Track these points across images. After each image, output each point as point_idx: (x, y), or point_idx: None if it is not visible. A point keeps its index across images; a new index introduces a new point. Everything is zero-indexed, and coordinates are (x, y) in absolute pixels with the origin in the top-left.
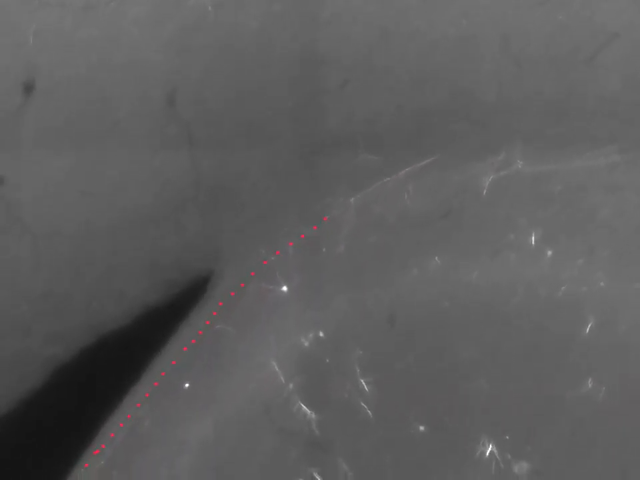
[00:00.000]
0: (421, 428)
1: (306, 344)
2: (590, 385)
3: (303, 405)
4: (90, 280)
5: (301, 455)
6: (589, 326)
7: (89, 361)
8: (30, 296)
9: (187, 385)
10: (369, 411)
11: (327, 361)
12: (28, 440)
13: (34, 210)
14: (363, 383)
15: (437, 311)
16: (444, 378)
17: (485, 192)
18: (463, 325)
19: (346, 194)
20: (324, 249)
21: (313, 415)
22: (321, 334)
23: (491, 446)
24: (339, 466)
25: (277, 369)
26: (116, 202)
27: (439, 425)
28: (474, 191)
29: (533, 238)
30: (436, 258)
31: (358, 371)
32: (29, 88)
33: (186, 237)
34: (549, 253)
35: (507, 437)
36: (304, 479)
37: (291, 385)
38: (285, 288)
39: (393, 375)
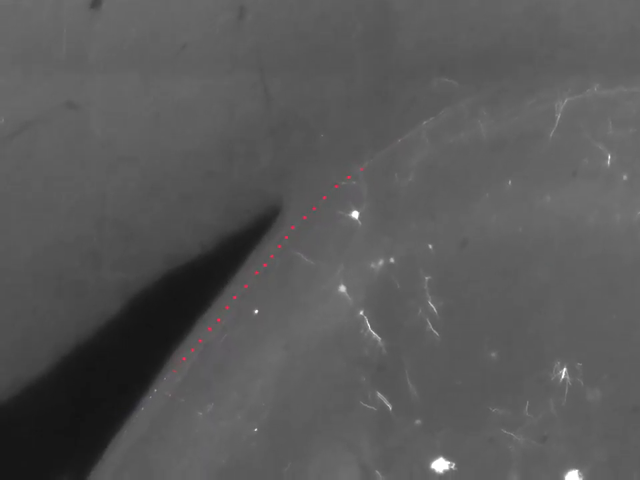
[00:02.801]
0: (492, 354)
1: (376, 269)
2: None
3: (372, 331)
4: (161, 207)
5: (370, 379)
6: None
7: (161, 288)
8: (101, 223)
9: (256, 311)
10: (438, 336)
11: (398, 286)
12: (105, 360)
13: (103, 136)
14: (433, 308)
15: (510, 235)
16: (517, 303)
17: (559, 116)
18: (536, 250)
19: (419, 118)
20: (396, 174)
21: (383, 340)
22: (392, 260)
23: (564, 372)
24: (408, 391)
25: (347, 295)
26: (186, 127)
27: (511, 351)
28: (548, 115)
29: (608, 162)
30: (509, 182)
31: (429, 296)
32: (96, 4)
33: (258, 163)
34: (624, 177)
35: (581, 364)
36: (374, 405)
37: (361, 311)
38: (355, 213)
39: (464, 300)
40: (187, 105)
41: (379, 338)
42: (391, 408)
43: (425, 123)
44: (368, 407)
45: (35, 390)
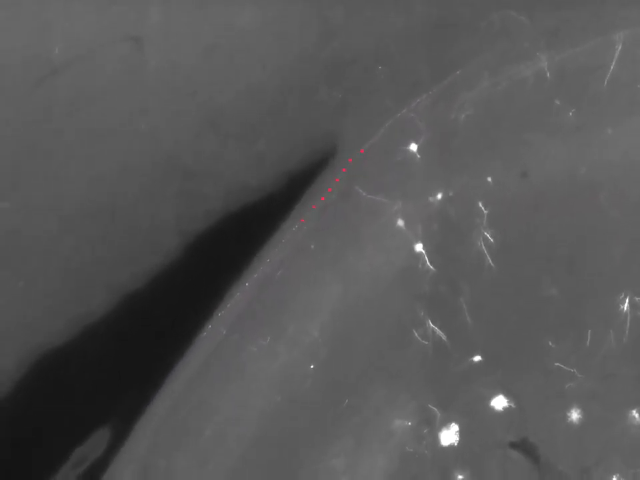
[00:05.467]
0: (552, 289)
1: (435, 203)
2: None
3: (430, 266)
4: (217, 142)
5: (428, 315)
6: None
7: (217, 224)
8: (155, 158)
9: (313, 246)
10: (497, 270)
11: (456, 220)
12: (160, 297)
13: (159, 68)
14: (492, 242)
15: (570, 168)
16: (578, 236)
17: (619, 47)
18: (597, 183)
19: (478, 51)
20: (454, 107)
21: (441, 275)
22: (450, 193)
23: (626, 307)
24: (466, 326)
25: (405, 229)
26: (243, 60)
27: (571, 286)
28: (609, 47)
29: None
30: (570, 114)
31: (488, 229)
32: None
33: (315, 96)
34: None
35: None
36: (432, 341)
37: (419, 245)
38: (414, 146)
39: (523, 233)
40: (244, 38)
41: (437, 272)
42: (449, 344)
43: (484, 55)
44: (426, 343)
45: (89, 326)
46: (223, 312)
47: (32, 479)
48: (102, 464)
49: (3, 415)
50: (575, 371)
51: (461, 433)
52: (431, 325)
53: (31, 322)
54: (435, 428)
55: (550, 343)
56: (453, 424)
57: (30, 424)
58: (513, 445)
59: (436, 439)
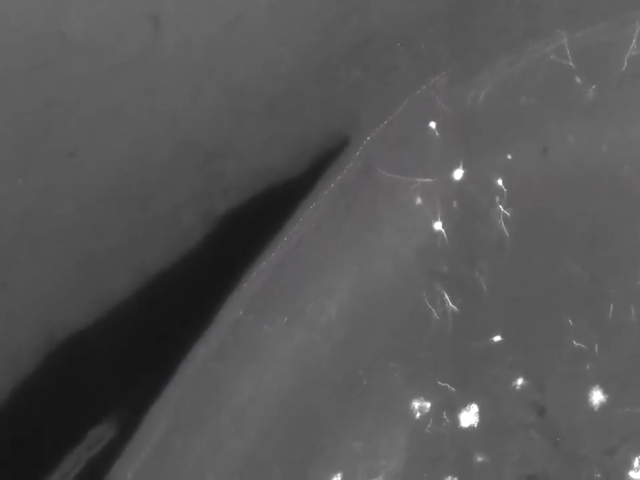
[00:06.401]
0: (572, 266)
1: (454, 180)
2: None
3: (449, 243)
4: (235, 122)
5: (447, 293)
6: None
7: (238, 201)
8: (174, 140)
9: (331, 224)
10: (517, 247)
11: (476, 197)
12: (177, 272)
13: (178, 45)
14: (512, 219)
15: (591, 144)
16: (599, 211)
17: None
18: (618, 158)
19: (499, 30)
20: (474, 85)
21: (460, 253)
22: (470, 170)
23: None
24: (486, 305)
25: (424, 206)
26: (263, 37)
27: (591, 263)
28: (629, 25)
29: None
30: (590, 90)
31: (507, 206)
32: None
33: (335, 75)
34: None
35: None
36: (452, 320)
37: (438, 223)
38: (433, 124)
39: (543, 210)
40: (263, 15)
41: (456, 251)
42: (468, 323)
43: (503, 33)
44: (445, 322)
45: (107, 306)
46: (239, 292)
47: (47, 457)
48: (118, 443)
49: (23, 389)
50: (595, 350)
51: (481, 413)
52: (450, 304)
53: (49, 301)
54: (454, 409)
55: (570, 321)
56: (473, 404)
57: (48, 402)
58: (533, 426)
59: (455, 420)
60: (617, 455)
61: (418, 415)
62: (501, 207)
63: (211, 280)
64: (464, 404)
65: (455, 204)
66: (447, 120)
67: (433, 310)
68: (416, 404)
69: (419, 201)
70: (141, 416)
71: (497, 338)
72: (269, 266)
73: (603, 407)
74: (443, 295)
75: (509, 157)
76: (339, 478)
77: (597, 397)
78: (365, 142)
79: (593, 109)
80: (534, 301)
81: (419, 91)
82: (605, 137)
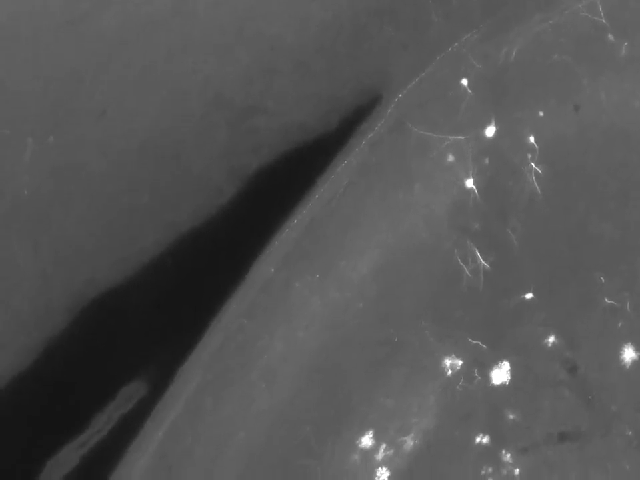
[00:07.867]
0: (603, 224)
1: (486, 137)
2: None
3: (481, 201)
4: (269, 84)
5: (477, 248)
6: None
7: (270, 162)
8: (208, 105)
9: (362, 183)
10: (549, 205)
11: (508, 154)
12: (209, 234)
13: (208, 18)
14: (544, 176)
15: (622, 103)
16: (631, 169)
17: None
18: None
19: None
20: (505, 43)
21: (492, 211)
22: (502, 127)
23: None
24: (518, 263)
25: (456, 163)
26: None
27: (624, 221)
28: None
29: None
30: (622, 50)
31: (539, 163)
32: None
33: (367, 33)
34: None
35: None
36: (483, 277)
37: (470, 180)
38: (465, 81)
39: (575, 167)
40: None
41: (488, 208)
42: (500, 280)
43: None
44: (476, 279)
45: (140, 263)
46: (270, 249)
47: (80, 414)
48: (149, 402)
49: (55, 349)
50: (627, 308)
51: (512, 371)
52: (482, 261)
53: (79, 259)
54: (486, 366)
55: (602, 279)
56: (504, 362)
57: (79, 361)
58: (565, 384)
59: (487, 378)
60: None
61: (449, 372)
62: (532, 164)
63: (242, 238)
64: (495, 361)
65: (486, 161)
66: (479, 77)
67: (465, 267)
68: (447, 362)
69: (450, 158)
70: (172, 375)
71: (529, 295)
72: (300, 223)
73: (635, 364)
74: (475, 252)
75: (541, 114)
76: (371, 435)
77: (629, 354)
78: (397, 99)
79: (626, 66)
80: (566, 259)
81: (450, 48)
82: (637, 94)
